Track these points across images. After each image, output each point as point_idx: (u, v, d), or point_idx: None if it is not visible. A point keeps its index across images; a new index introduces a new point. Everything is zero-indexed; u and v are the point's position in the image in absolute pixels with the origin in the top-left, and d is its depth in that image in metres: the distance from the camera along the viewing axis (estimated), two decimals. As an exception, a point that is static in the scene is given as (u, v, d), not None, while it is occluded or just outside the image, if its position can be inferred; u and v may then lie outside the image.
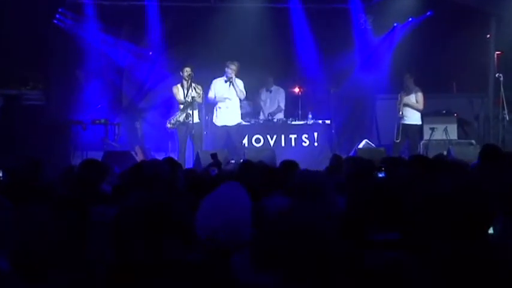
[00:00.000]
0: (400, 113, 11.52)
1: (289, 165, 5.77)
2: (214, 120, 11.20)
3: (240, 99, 11.15)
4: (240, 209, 2.76)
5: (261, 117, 12.29)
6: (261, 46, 12.37)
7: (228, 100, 11.03)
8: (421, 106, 11.52)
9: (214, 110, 11.18)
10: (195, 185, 4.57)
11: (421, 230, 2.47)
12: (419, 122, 11.68)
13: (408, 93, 11.57)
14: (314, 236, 2.06)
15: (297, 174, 4.24)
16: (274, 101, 12.40)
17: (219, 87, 11.03)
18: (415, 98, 11.51)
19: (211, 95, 11.05)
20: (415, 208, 2.54)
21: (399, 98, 11.63)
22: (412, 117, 11.59)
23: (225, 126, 11.09)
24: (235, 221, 2.70)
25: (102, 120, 12.03)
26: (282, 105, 12.42)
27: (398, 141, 11.49)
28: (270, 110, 12.30)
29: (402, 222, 2.85)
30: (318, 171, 5.50)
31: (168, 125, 10.83)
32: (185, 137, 10.76)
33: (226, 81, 10.98)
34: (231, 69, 10.90)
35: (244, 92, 11.07)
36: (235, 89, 10.91)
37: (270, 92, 12.43)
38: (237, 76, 11.01)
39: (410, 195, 2.82)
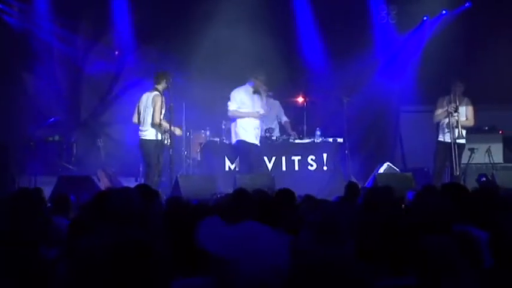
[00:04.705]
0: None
1: (286, 196, 5.76)
2: (243, 138, 10.94)
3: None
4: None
5: None
6: (256, 43, 12.40)
7: (258, 116, 11.00)
8: (471, 122, 11.10)
9: (236, 128, 10.99)
10: (176, 219, 4.58)
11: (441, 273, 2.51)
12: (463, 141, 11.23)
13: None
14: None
15: (298, 207, 4.27)
16: (270, 118, 12.20)
17: (244, 99, 10.92)
18: (466, 114, 11.05)
19: (232, 107, 10.87)
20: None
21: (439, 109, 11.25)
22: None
23: (254, 144, 11.04)
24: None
25: (56, 137, 12.07)
26: (285, 118, 12.42)
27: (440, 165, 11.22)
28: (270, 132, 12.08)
29: (419, 264, 2.91)
30: (327, 202, 5.55)
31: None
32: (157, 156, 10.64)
33: (254, 93, 10.93)
34: (259, 81, 10.86)
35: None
36: (261, 102, 10.92)
37: None
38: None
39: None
